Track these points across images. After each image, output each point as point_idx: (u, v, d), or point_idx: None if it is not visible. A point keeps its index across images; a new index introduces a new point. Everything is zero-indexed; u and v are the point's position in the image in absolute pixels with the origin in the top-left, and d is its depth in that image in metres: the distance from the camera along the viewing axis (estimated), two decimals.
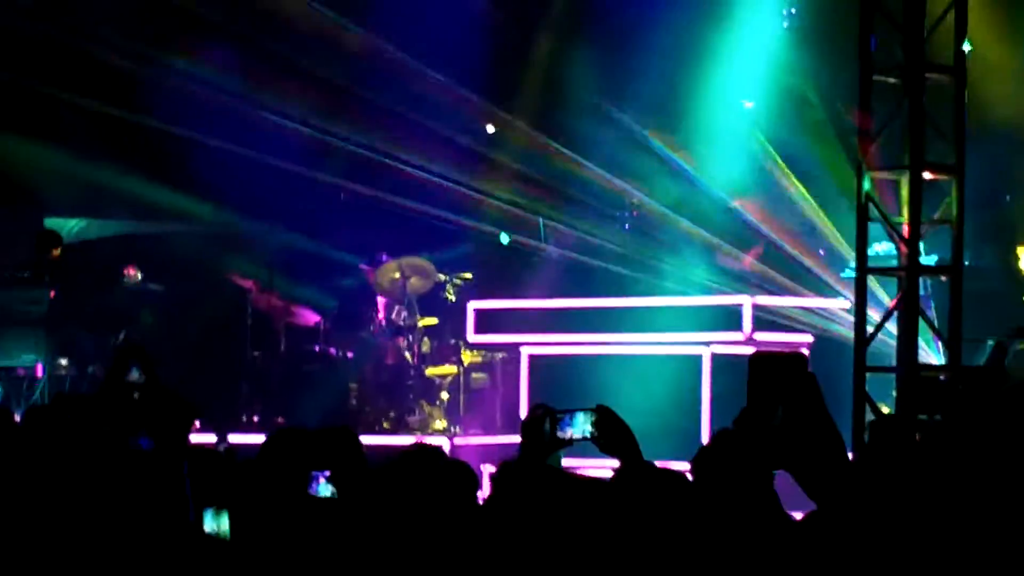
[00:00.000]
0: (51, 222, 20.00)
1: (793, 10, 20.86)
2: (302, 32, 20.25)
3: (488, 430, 17.69)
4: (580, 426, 7.02)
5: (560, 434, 6.99)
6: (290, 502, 6.97)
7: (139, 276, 19.25)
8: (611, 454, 6.86)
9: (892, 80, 14.15)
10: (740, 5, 20.66)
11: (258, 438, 9.77)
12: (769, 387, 6.36)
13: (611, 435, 6.90)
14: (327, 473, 7.14)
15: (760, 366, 6.29)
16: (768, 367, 6.32)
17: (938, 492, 6.32)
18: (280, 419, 17.76)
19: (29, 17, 19.30)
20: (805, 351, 16.37)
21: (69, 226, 20.22)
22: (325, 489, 7.07)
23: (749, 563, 6.07)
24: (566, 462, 9.11)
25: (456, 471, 6.85)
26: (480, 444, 16.76)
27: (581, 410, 7.00)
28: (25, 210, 20.08)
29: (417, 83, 20.08)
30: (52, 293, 18.40)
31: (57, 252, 18.86)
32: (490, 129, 21.28)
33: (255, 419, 18.20)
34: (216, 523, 6.80)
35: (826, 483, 6.20)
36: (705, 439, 13.87)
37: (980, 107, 16.16)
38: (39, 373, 17.94)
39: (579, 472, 7.02)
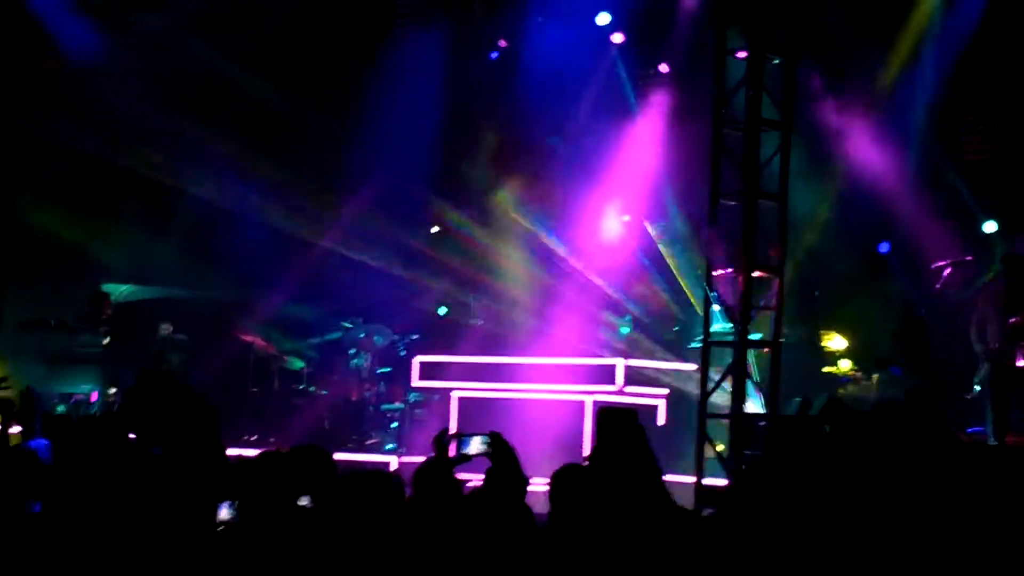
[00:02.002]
0: (106, 286, 19.78)
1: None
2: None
3: (426, 452, 17.55)
4: (476, 446, 7.50)
5: (462, 450, 7.48)
6: (277, 501, 7.40)
7: (171, 329, 19.29)
8: (498, 466, 7.34)
9: (733, 202, 14.13)
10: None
11: (255, 452, 10.09)
12: (610, 432, 6.88)
13: (499, 453, 7.38)
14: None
15: (603, 416, 6.84)
16: (609, 417, 6.85)
17: (766, 504, 6.78)
18: (272, 439, 17.66)
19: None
20: (661, 402, 16.43)
21: (120, 290, 20.03)
22: (304, 500, 7.46)
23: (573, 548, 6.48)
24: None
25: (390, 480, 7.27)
26: (419, 462, 16.65)
27: (478, 434, 7.49)
28: (87, 277, 19.96)
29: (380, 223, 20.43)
30: (106, 340, 18.34)
31: (110, 309, 19.03)
32: (434, 230, 21.58)
33: (253, 439, 18.00)
34: (229, 514, 6.94)
35: (645, 502, 6.67)
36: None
37: (797, 225, 16.36)
38: (93, 399, 17.83)
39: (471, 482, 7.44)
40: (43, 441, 8.88)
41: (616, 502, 6.62)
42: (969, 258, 15.74)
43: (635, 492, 6.82)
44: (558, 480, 6.82)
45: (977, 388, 14.41)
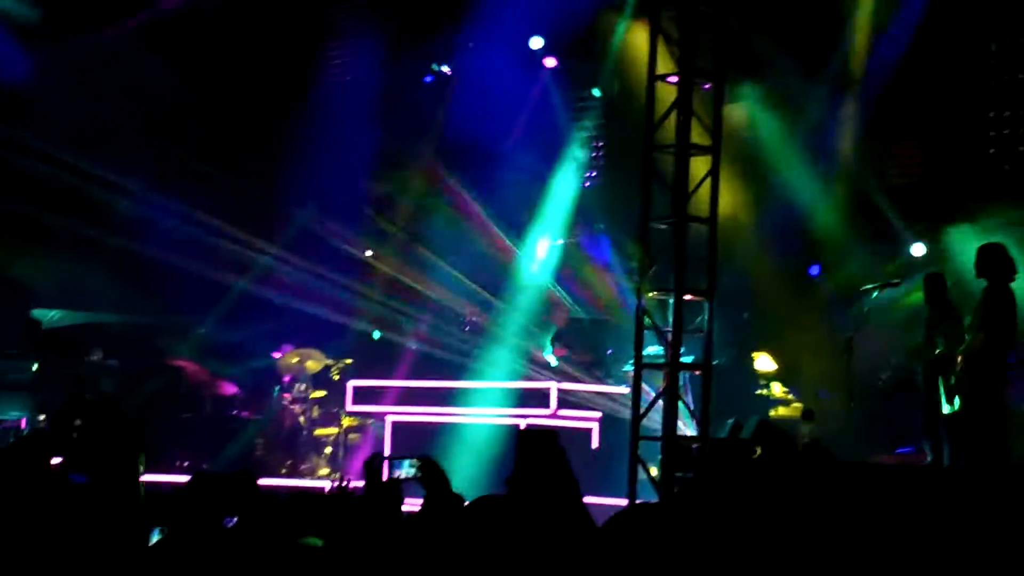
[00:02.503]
0: (36, 312, 19.72)
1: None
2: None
3: (360, 477, 17.51)
4: (406, 468, 7.52)
5: (393, 474, 7.49)
6: (207, 524, 7.40)
7: (102, 354, 19.25)
8: (429, 490, 7.38)
9: (663, 226, 14.01)
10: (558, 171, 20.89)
11: (185, 478, 10.09)
12: (530, 453, 6.92)
13: (430, 476, 7.40)
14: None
15: (524, 438, 6.89)
16: (529, 439, 6.91)
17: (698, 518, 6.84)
18: (204, 465, 17.53)
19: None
20: (595, 425, 16.43)
21: (49, 315, 20.05)
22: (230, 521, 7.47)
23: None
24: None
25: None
26: (354, 487, 16.58)
27: (407, 456, 7.51)
28: (16, 303, 19.83)
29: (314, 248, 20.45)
30: (35, 365, 18.22)
31: (39, 335, 18.91)
32: (368, 253, 21.62)
33: (185, 464, 17.91)
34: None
35: (566, 517, 6.71)
36: None
37: (727, 249, 16.40)
38: (23, 425, 17.72)
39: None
40: None
41: (534, 525, 6.66)
42: (897, 281, 15.88)
43: (554, 514, 6.85)
44: (472, 511, 6.87)
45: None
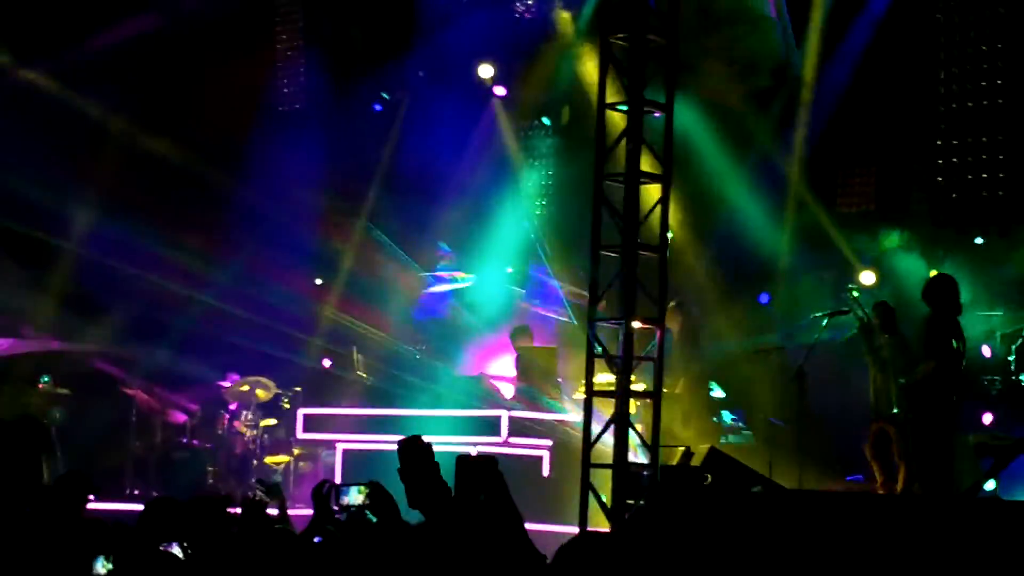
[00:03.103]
0: None
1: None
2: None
3: (309, 504, 17.45)
4: (354, 496, 7.54)
5: (341, 501, 7.51)
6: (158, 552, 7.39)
7: (51, 382, 19.17)
8: (379, 517, 7.39)
9: (614, 254, 13.89)
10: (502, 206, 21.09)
11: (137, 506, 9.95)
12: (469, 479, 6.96)
13: (379, 503, 7.41)
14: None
15: (464, 464, 6.93)
16: (470, 466, 6.94)
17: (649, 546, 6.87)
18: (155, 493, 17.12)
19: None
20: (546, 453, 16.39)
21: None
22: (177, 551, 7.46)
23: None
24: None
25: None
26: (305, 515, 16.55)
27: (356, 484, 7.52)
28: None
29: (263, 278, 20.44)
30: None
31: None
32: (318, 281, 21.56)
33: (136, 492, 17.87)
34: (104, 567, 6.87)
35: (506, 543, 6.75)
36: None
37: (678, 276, 16.41)
38: None
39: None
40: None
41: (474, 548, 6.71)
42: (846, 309, 15.99)
43: (494, 538, 6.89)
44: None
45: None
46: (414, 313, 20.56)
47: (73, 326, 20.29)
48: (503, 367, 18.88)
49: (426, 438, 16.04)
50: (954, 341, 13.71)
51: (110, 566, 6.87)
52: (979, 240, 18.42)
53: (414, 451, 7.30)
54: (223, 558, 7.10)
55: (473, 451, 15.62)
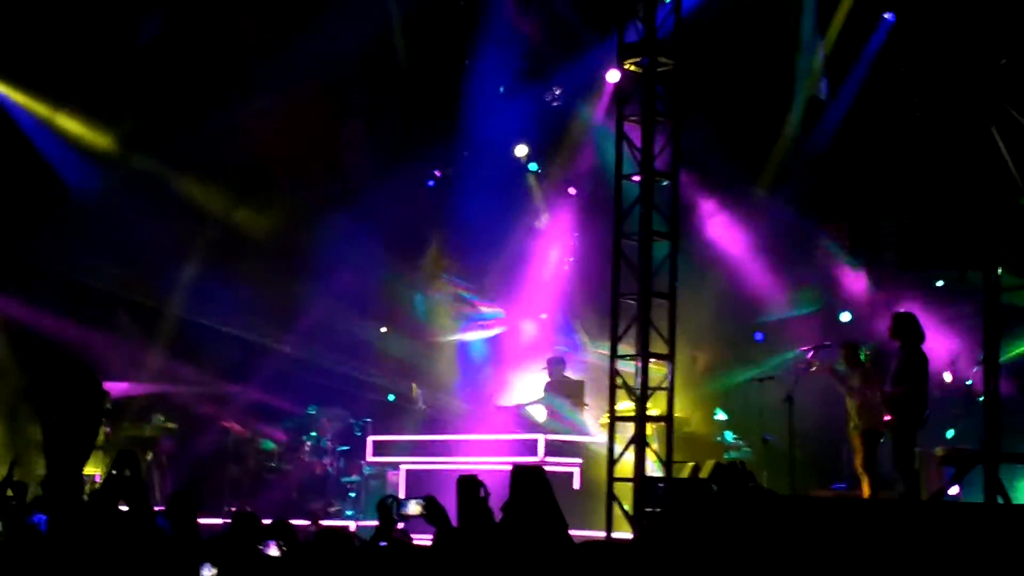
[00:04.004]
0: (106, 384, 19.77)
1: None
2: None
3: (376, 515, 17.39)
4: (413, 507, 7.56)
5: (402, 511, 7.53)
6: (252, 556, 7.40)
7: (162, 418, 19.20)
8: (433, 524, 7.42)
9: (631, 301, 14.10)
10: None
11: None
12: (523, 486, 6.99)
13: (433, 514, 7.46)
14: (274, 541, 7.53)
15: (517, 473, 6.96)
16: (522, 474, 6.97)
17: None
18: (248, 509, 17.52)
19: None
20: (576, 469, 16.31)
21: (118, 387, 20.14)
22: (274, 550, 7.49)
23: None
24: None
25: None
26: (373, 525, 16.47)
27: (414, 498, 7.57)
28: (87, 376, 19.71)
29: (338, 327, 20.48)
30: (107, 429, 18.13)
31: (108, 404, 18.95)
32: (383, 330, 21.67)
33: (233, 509, 17.33)
34: (209, 571, 7.03)
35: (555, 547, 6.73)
36: None
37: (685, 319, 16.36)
38: (97, 479, 17.81)
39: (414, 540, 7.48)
40: (41, 516, 8.86)
41: (525, 545, 6.72)
42: (828, 343, 15.92)
43: (543, 535, 6.92)
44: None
45: None
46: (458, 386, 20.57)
47: (178, 371, 20.39)
48: (530, 389, 18.76)
49: (475, 458, 16.08)
50: (925, 369, 13.68)
51: (215, 571, 6.84)
52: (940, 283, 18.38)
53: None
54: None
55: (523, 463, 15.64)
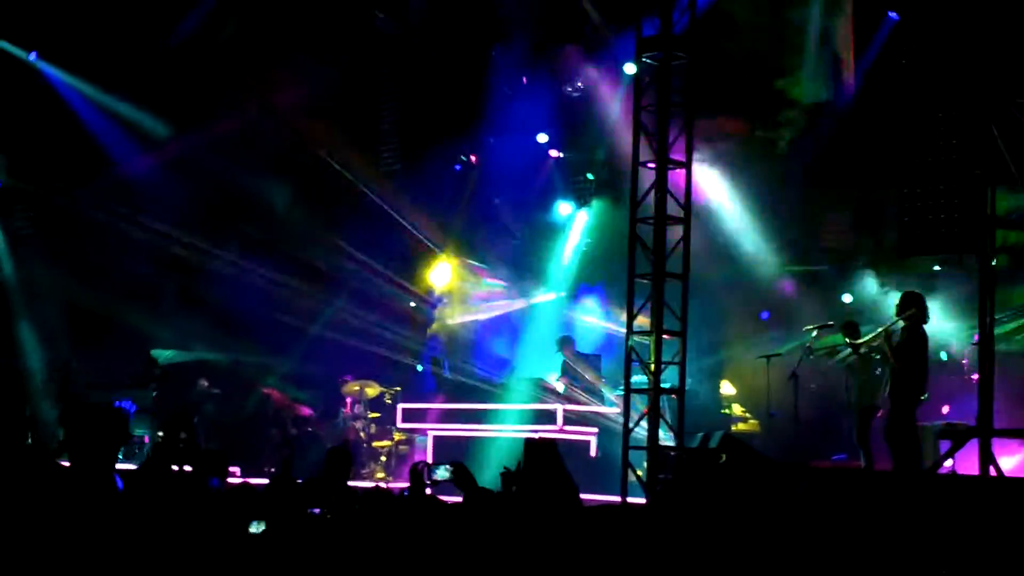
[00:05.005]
0: (154, 352, 19.84)
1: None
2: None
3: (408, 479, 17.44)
4: (442, 473, 7.68)
5: (432, 476, 7.64)
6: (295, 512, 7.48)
7: (207, 384, 19.35)
8: (461, 488, 7.49)
9: (646, 281, 14.06)
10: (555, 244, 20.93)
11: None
12: (535, 458, 7.06)
13: (461, 478, 7.54)
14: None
15: (530, 446, 7.03)
16: (534, 447, 7.04)
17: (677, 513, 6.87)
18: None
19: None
20: (593, 438, 16.42)
21: (166, 355, 20.24)
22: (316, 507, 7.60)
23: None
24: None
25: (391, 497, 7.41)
26: (403, 487, 16.53)
27: (443, 463, 7.69)
28: (138, 346, 19.92)
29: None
30: (154, 393, 18.52)
31: (157, 370, 19.14)
32: (412, 304, 21.74)
33: (272, 470, 17.21)
34: (257, 527, 7.01)
35: (566, 512, 6.79)
36: None
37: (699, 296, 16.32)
38: (146, 440, 17.95)
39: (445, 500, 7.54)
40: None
41: (538, 513, 6.78)
42: (831, 323, 15.90)
43: (555, 504, 7.00)
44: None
45: None
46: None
47: (222, 341, 20.48)
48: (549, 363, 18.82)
49: (499, 426, 16.08)
50: (925, 347, 13.67)
51: (263, 526, 6.95)
52: (936, 268, 18.32)
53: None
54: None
55: (536, 436, 15.70)
